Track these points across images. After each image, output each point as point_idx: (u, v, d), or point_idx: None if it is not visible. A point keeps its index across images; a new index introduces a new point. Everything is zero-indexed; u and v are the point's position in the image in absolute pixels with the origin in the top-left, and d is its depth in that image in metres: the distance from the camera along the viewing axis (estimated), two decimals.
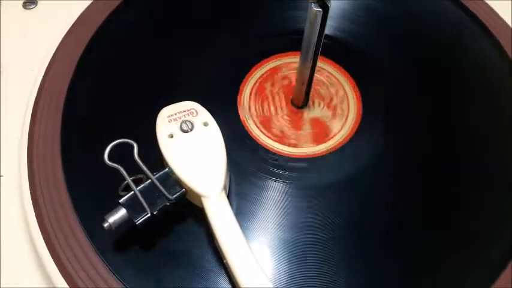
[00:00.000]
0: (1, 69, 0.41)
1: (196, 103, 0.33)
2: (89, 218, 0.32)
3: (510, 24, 0.43)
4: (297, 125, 0.38)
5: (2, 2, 0.45)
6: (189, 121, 0.32)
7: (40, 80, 0.38)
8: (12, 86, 0.40)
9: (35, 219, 0.32)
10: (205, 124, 0.32)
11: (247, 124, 0.37)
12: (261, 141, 0.37)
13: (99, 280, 0.30)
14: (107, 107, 0.38)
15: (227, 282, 0.30)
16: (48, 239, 0.31)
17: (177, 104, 0.33)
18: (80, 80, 0.38)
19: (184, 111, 0.32)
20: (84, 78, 0.39)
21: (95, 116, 0.37)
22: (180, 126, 0.32)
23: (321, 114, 0.38)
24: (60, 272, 0.30)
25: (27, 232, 0.33)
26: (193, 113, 0.32)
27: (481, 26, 0.43)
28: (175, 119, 0.32)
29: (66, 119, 0.36)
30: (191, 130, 0.32)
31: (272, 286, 0.28)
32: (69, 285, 0.30)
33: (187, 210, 0.32)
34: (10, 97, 0.40)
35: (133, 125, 0.35)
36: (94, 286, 0.30)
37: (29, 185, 0.33)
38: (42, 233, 0.32)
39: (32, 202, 0.33)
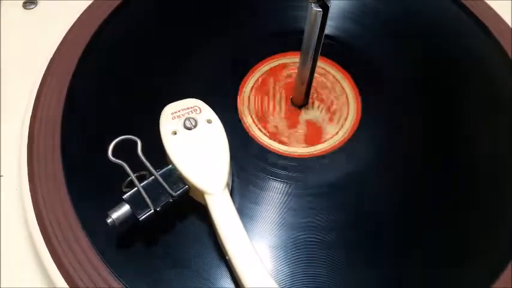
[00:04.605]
0: (1, 69, 0.41)
1: (200, 100, 0.33)
2: (89, 218, 0.32)
3: (510, 24, 0.43)
4: (291, 124, 0.38)
5: (2, 2, 0.45)
6: (192, 118, 0.32)
7: (40, 80, 0.38)
8: (12, 86, 0.40)
9: (35, 219, 0.32)
10: (209, 121, 0.32)
11: (243, 117, 0.37)
12: (254, 134, 0.37)
13: (99, 280, 0.30)
14: (108, 106, 0.38)
15: (229, 280, 0.30)
16: (48, 239, 0.31)
17: (181, 101, 0.33)
18: (81, 80, 0.38)
19: (188, 108, 0.32)
20: (85, 78, 0.38)
21: (96, 115, 0.37)
22: (184, 123, 0.32)
23: (317, 117, 0.38)
24: (60, 272, 0.30)
25: (27, 232, 0.33)
26: (196, 110, 0.32)
27: (481, 26, 0.43)
28: (178, 116, 0.32)
29: (66, 119, 0.36)
30: (195, 127, 0.32)
31: (274, 284, 0.28)
32: (69, 285, 0.30)
33: (190, 207, 0.32)
34: (10, 97, 0.39)
35: (135, 123, 0.35)
36: (94, 286, 0.29)
37: (29, 185, 0.33)
38: (42, 233, 0.31)
39: (32, 202, 0.33)
